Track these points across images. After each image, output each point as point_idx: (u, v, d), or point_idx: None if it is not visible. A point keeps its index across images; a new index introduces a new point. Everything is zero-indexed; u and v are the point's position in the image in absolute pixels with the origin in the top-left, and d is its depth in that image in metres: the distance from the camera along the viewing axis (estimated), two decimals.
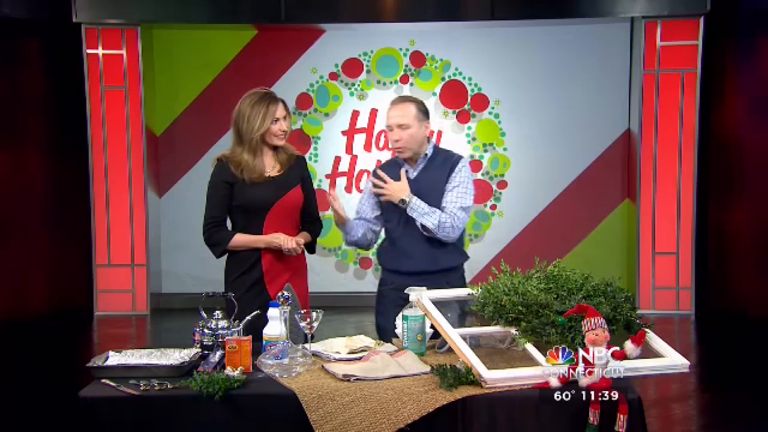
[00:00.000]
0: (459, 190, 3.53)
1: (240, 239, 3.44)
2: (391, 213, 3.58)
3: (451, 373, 2.61)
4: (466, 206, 3.53)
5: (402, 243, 3.55)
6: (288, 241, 3.38)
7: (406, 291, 3.03)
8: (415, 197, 3.48)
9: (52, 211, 7.73)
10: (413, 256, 3.52)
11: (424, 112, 3.58)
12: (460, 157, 3.64)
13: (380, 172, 3.56)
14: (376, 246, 3.77)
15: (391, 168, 3.63)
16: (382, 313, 3.60)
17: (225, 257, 3.54)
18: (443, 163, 3.58)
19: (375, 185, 3.54)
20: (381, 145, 7.96)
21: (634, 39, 7.61)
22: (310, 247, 3.59)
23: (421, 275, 3.45)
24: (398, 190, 3.50)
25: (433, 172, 3.57)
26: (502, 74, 7.90)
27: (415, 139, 3.53)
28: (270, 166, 3.49)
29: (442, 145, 3.86)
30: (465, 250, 3.68)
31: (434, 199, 3.51)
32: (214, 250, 3.48)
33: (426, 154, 3.59)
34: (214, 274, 4.26)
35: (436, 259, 3.52)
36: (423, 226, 3.48)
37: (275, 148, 3.50)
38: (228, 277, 3.52)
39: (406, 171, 3.59)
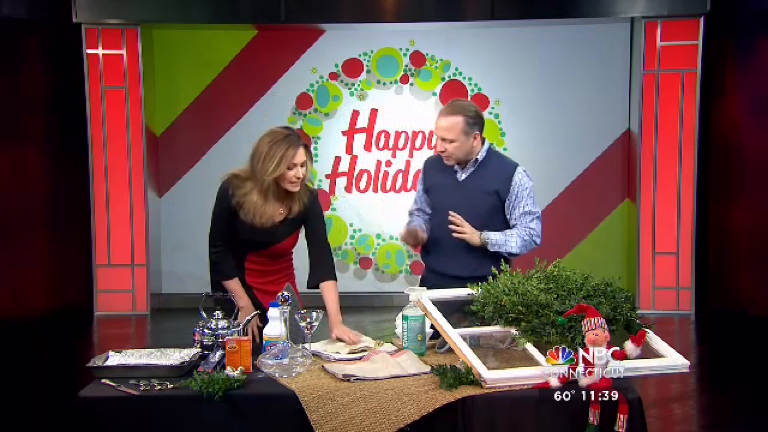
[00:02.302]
0: (524, 204, 3.49)
1: (232, 286, 3.32)
2: (440, 216, 3.48)
3: (451, 373, 2.61)
4: (537, 215, 3.51)
5: (450, 248, 3.48)
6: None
7: (405, 291, 3.03)
8: (489, 233, 3.43)
9: (52, 211, 7.71)
10: (460, 260, 3.46)
11: (473, 124, 3.45)
12: (515, 166, 3.54)
13: (453, 217, 3.43)
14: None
15: (439, 162, 3.59)
16: None
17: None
18: (497, 170, 3.51)
19: (452, 224, 3.43)
20: (381, 145, 7.96)
21: (634, 39, 7.60)
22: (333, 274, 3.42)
23: (465, 279, 3.23)
24: (474, 232, 3.42)
25: (482, 177, 3.50)
26: (502, 74, 7.89)
27: (462, 151, 3.47)
28: (278, 212, 3.30)
29: None
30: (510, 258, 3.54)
31: (478, 203, 3.48)
32: (212, 276, 3.40)
33: (477, 159, 3.52)
34: None
35: (479, 265, 3.39)
36: (509, 253, 3.45)
37: (288, 192, 3.28)
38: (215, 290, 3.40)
39: (455, 172, 3.53)
